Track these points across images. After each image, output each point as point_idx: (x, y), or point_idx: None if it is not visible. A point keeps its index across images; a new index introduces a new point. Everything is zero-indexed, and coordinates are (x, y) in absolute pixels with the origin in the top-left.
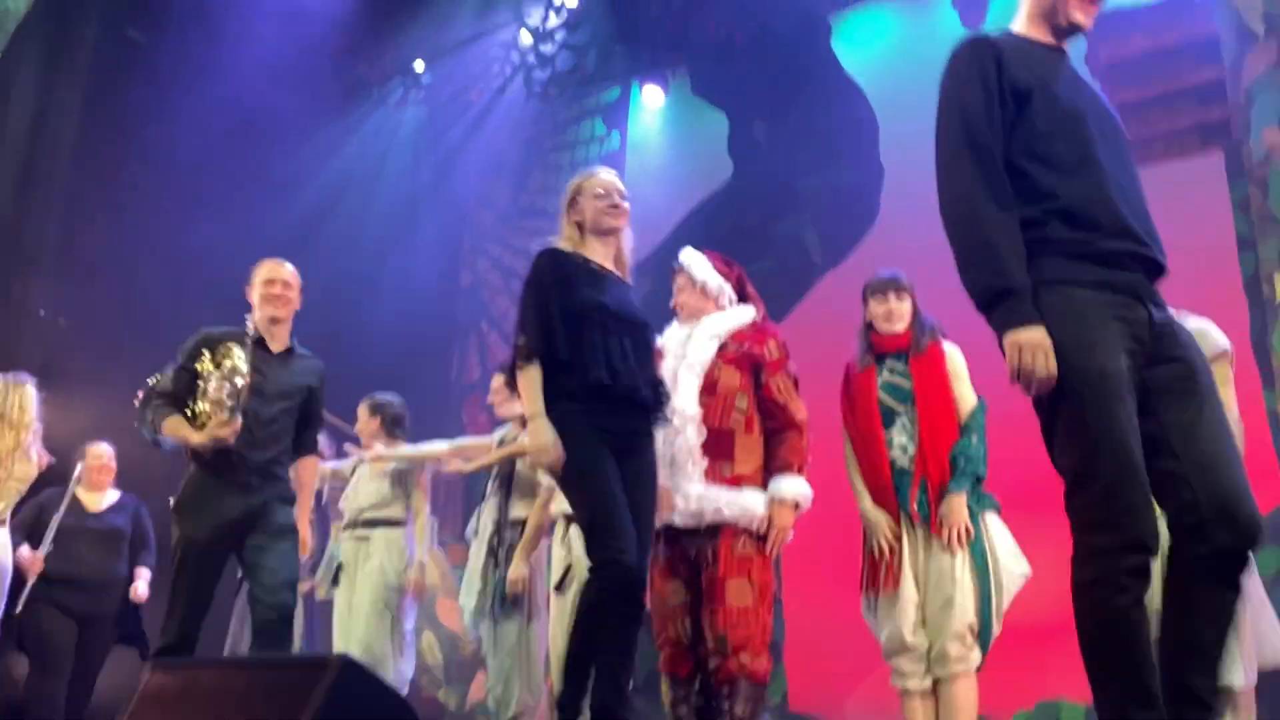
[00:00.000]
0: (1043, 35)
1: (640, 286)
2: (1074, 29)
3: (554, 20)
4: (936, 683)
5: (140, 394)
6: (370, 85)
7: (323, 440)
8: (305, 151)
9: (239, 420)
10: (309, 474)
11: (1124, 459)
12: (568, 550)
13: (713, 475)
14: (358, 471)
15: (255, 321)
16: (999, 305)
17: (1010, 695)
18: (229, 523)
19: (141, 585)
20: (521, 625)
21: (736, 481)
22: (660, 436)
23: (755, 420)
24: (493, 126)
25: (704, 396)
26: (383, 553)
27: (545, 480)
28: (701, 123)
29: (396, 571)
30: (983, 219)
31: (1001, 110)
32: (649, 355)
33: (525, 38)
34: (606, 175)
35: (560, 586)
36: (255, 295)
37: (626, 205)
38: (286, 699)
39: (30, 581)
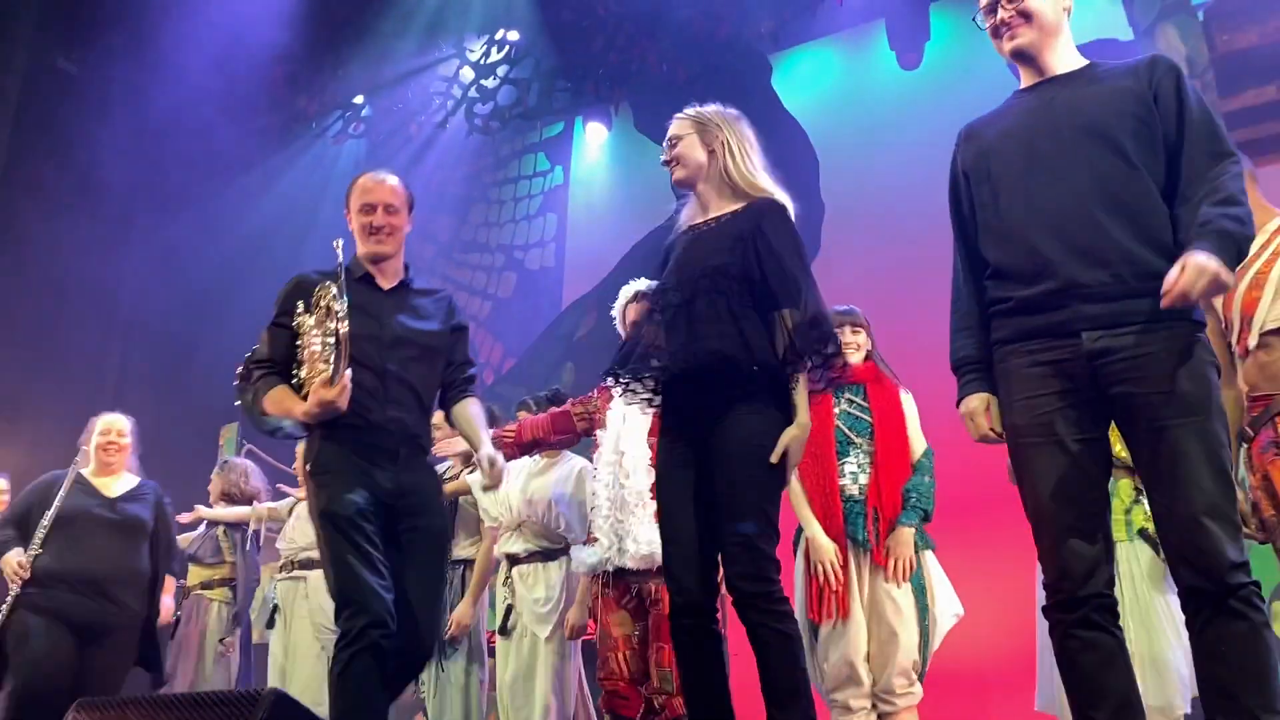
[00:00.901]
0: (1027, 78)
1: (584, 321)
2: (1018, 58)
3: (496, 55)
4: (880, 718)
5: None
6: (309, 118)
7: (260, 480)
8: (242, 184)
9: (347, 376)
10: (475, 410)
11: (1036, 504)
12: (511, 592)
13: None
14: (295, 511)
15: (359, 255)
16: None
17: None
18: (381, 493)
19: (169, 601)
20: (465, 667)
21: None
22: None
23: None
24: (433, 160)
25: (651, 439)
26: (320, 593)
27: (488, 519)
28: (645, 158)
29: (334, 613)
30: (952, 303)
31: (966, 195)
32: (723, 305)
33: (467, 72)
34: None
35: (504, 629)
36: (353, 224)
37: (676, 152)
38: None
39: (12, 592)
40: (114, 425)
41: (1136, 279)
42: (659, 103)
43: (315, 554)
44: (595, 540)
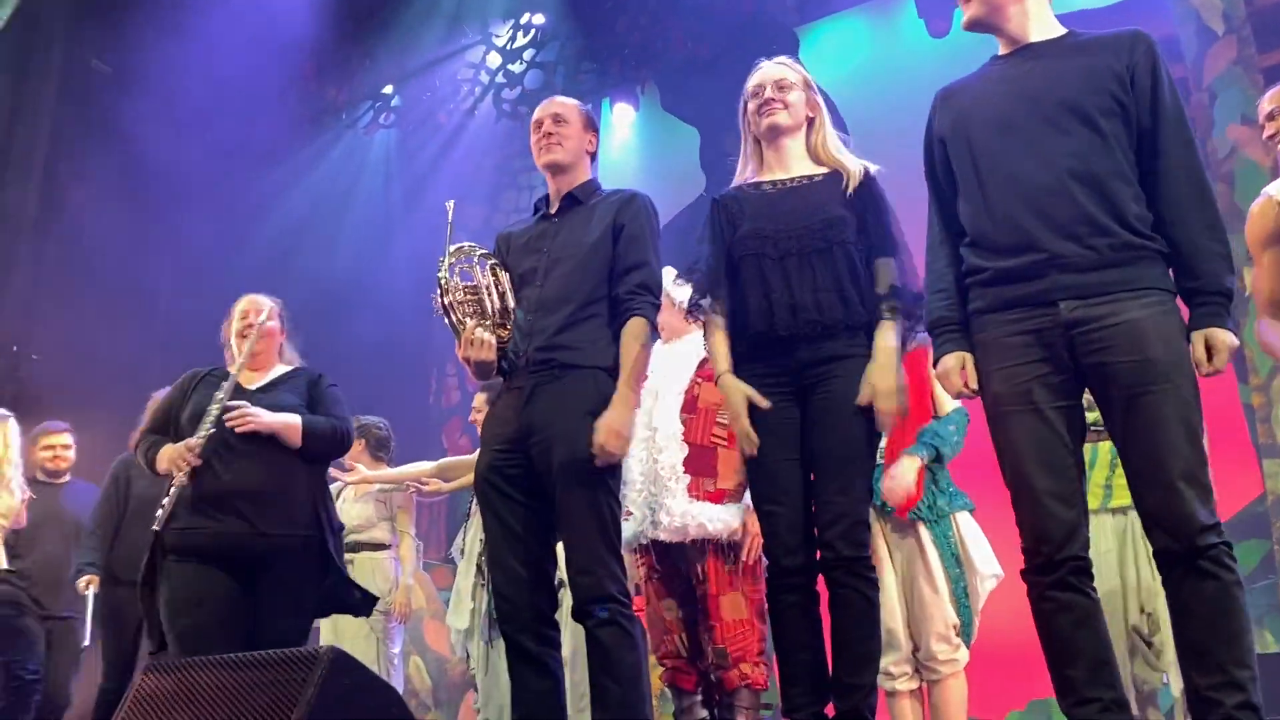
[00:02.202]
0: (1002, 46)
1: None
2: (974, 30)
3: (521, 39)
4: (926, 685)
5: None
6: (340, 109)
7: None
8: (275, 177)
9: (475, 332)
10: (628, 344)
11: (1014, 471)
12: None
13: (695, 491)
14: (341, 495)
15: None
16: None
17: (1001, 695)
18: (512, 443)
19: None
20: None
21: (719, 497)
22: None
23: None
24: (463, 147)
25: (685, 414)
26: (367, 576)
27: None
28: (673, 137)
29: (382, 595)
30: (926, 265)
31: (942, 158)
32: (831, 263)
33: (494, 58)
34: (761, 69)
35: None
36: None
37: (787, 98)
38: (280, 694)
39: (176, 483)
40: (252, 305)
41: (1111, 250)
42: (685, 81)
43: (361, 536)
44: (629, 515)
